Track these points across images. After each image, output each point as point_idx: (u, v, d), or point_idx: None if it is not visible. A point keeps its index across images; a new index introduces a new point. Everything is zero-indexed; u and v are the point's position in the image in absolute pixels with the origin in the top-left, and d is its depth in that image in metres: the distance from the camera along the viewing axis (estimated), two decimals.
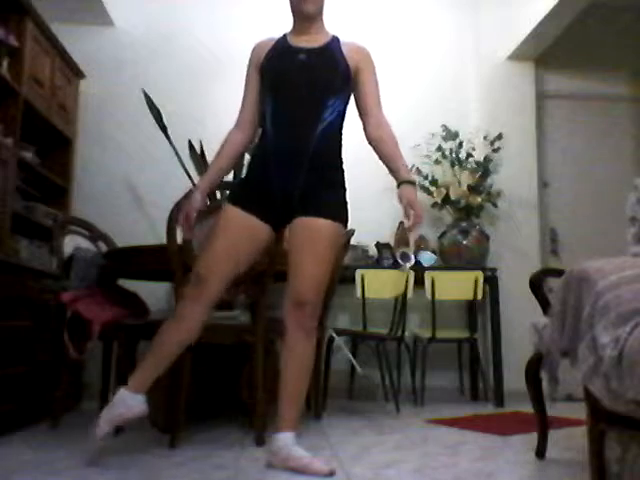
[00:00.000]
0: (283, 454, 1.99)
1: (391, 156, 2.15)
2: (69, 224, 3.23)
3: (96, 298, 2.85)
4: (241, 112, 2.24)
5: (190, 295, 2.07)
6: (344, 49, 2.18)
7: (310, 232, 2.06)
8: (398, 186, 2.08)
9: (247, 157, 2.74)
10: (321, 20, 2.21)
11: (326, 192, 2.10)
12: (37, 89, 3.37)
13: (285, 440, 2.01)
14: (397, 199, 2.09)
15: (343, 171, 2.18)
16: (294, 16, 2.19)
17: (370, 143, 2.20)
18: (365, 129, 2.20)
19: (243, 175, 2.26)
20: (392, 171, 2.14)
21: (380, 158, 2.19)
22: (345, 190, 2.17)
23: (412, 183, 2.08)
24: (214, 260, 2.05)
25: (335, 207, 2.11)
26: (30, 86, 3.27)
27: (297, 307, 2.03)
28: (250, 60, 2.24)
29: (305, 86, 2.09)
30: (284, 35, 2.23)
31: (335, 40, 2.20)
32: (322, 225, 2.06)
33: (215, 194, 3.55)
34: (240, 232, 2.08)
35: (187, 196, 2.43)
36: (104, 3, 4.06)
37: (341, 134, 2.18)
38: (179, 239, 2.40)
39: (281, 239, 2.34)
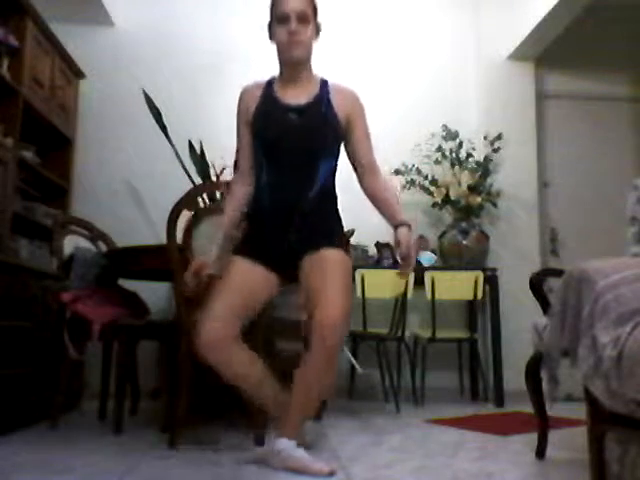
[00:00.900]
0: (284, 454, 1.99)
1: (386, 205, 2.16)
2: (69, 224, 3.23)
3: (96, 298, 2.84)
4: (240, 159, 2.22)
5: (203, 352, 2.01)
6: (333, 99, 2.12)
7: (324, 259, 2.05)
8: (395, 229, 2.09)
9: None
10: (310, 66, 2.16)
11: (324, 228, 2.12)
12: (37, 89, 3.37)
13: (284, 445, 2.00)
14: (393, 242, 2.11)
15: (336, 200, 2.19)
16: (281, 63, 2.15)
17: (363, 190, 2.21)
18: (359, 179, 2.21)
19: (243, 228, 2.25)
20: (387, 217, 2.16)
21: (374, 205, 2.19)
22: (340, 225, 2.19)
23: (409, 226, 2.09)
24: (224, 315, 2.00)
25: (335, 239, 2.13)
26: (30, 86, 3.27)
27: (326, 329, 1.95)
28: (238, 108, 2.19)
29: (297, 151, 2.08)
30: (271, 82, 2.18)
31: (324, 88, 2.15)
32: (332, 252, 2.07)
33: (215, 195, 3.56)
34: (244, 278, 2.07)
35: (185, 198, 2.43)
36: (104, 3, 4.06)
37: (335, 185, 2.17)
38: (179, 239, 2.40)
39: None
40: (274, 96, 2.14)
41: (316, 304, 1.97)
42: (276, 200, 2.09)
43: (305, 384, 2.02)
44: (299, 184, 2.08)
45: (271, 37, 2.14)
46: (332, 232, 2.15)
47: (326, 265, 2.05)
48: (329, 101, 2.12)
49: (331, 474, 1.92)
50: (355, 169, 2.22)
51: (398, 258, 2.09)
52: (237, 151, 2.25)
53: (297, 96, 2.12)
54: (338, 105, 2.13)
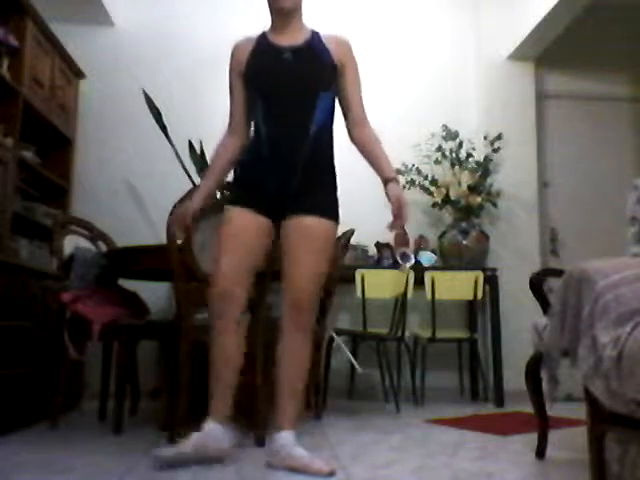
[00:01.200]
0: (283, 453, 1.99)
1: (374, 156, 2.17)
2: (69, 224, 3.23)
3: (96, 298, 2.84)
4: (232, 117, 2.23)
5: (218, 313, 2.06)
6: (327, 43, 2.15)
7: (304, 230, 2.07)
8: (385, 184, 2.12)
9: None
10: (300, 16, 2.18)
11: (319, 193, 2.12)
12: (37, 89, 3.37)
13: (285, 439, 2.01)
14: (386, 197, 2.11)
15: (335, 173, 2.19)
16: (272, 13, 2.17)
17: (353, 141, 2.22)
18: (348, 127, 2.22)
19: (234, 177, 2.25)
20: (376, 170, 2.17)
21: (364, 156, 2.20)
22: (337, 190, 2.18)
23: (397, 181, 2.12)
24: (233, 269, 2.05)
25: (326, 206, 2.13)
26: (30, 86, 3.27)
27: (295, 305, 2.04)
28: (230, 64, 2.20)
29: (295, 87, 2.08)
30: (263, 33, 2.20)
31: (316, 35, 2.18)
32: (315, 223, 2.08)
33: (215, 194, 3.55)
34: (247, 228, 2.09)
35: (185, 198, 2.43)
36: (104, 3, 4.06)
37: (332, 136, 2.19)
38: (179, 239, 2.40)
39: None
40: (267, 41, 2.16)
41: (288, 277, 2.05)
42: (276, 140, 2.08)
43: (293, 373, 2.05)
44: (298, 123, 2.08)
45: None
46: (324, 201, 2.13)
47: (307, 239, 2.06)
48: (322, 43, 2.15)
49: (331, 474, 1.92)
50: (345, 118, 2.22)
51: (391, 221, 2.12)
52: (230, 109, 2.23)
53: (290, 40, 2.14)
54: (332, 49, 2.15)
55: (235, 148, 2.22)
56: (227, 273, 2.04)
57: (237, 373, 2.11)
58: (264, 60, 2.13)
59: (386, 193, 2.10)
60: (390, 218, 2.10)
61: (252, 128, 2.20)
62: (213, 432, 2.05)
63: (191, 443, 2.01)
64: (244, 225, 2.09)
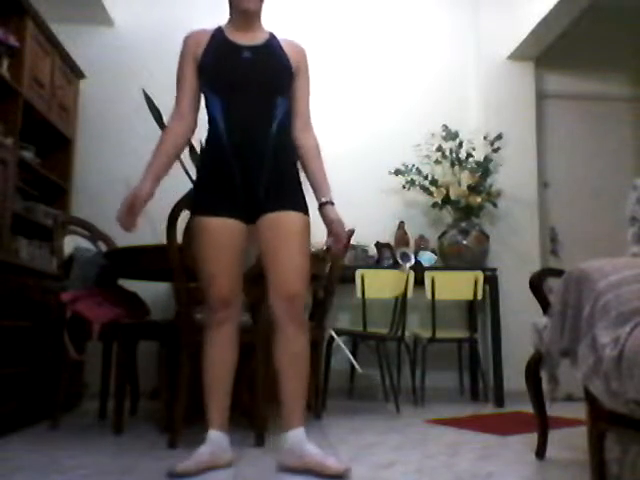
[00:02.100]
0: (297, 451, 1.97)
1: (312, 167, 2.18)
2: (69, 224, 3.23)
3: (96, 298, 2.84)
4: (179, 102, 2.17)
5: (217, 322, 2.08)
6: (284, 46, 2.16)
7: (283, 225, 2.06)
8: (320, 207, 2.14)
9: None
10: (260, 17, 2.18)
11: (287, 189, 2.11)
12: (37, 89, 3.37)
13: (297, 437, 2.00)
14: (322, 218, 2.14)
15: (298, 170, 2.19)
16: (232, 12, 2.15)
17: (298, 146, 2.20)
18: (294, 130, 2.19)
19: (194, 183, 2.22)
20: (312, 184, 2.17)
21: (302, 166, 2.20)
22: (302, 187, 2.17)
23: (333, 203, 2.15)
24: (230, 281, 2.07)
25: (296, 201, 2.12)
26: (30, 86, 3.27)
27: (288, 300, 2.02)
28: (183, 51, 2.15)
29: (255, 85, 2.07)
30: (219, 29, 2.17)
31: (273, 37, 2.18)
32: (293, 218, 2.08)
33: None
34: (230, 242, 2.07)
35: (185, 198, 2.43)
36: (104, 3, 4.06)
37: (292, 136, 2.18)
38: (179, 239, 2.40)
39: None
40: (225, 38, 2.14)
41: (274, 272, 2.04)
42: (238, 138, 2.05)
43: (294, 367, 2.04)
44: (259, 119, 2.06)
45: None
46: (293, 195, 2.12)
47: (289, 234, 2.06)
48: (281, 47, 2.16)
49: (346, 472, 1.90)
50: (291, 121, 2.19)
51: (330, 240, 2.14)
52: (176, 97, 2.19)
53: (248, 39, 2.13)
54: (288, 52, 2.16)
55: (182, 133, 2.15)
56: (228, 286, 2.06)
57: (232, 379, 2.14)
58: (222, 57, 2.10)
59: (324, 215, 2.13)
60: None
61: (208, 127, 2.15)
62: (221, 442, 2.07)
63: (204, 456, 2.00)
64: (227, 237, 2.06)
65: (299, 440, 1.99)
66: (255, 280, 2.48)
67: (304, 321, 2.09)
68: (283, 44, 2.17)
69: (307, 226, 2.11)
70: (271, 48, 2.14)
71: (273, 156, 2.07)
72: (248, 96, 2.06)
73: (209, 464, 1.99)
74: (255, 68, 2.08)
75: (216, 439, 2.06)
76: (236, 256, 2.09)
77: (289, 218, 2.07)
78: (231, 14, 2.17)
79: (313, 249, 2.18)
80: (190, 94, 2.16)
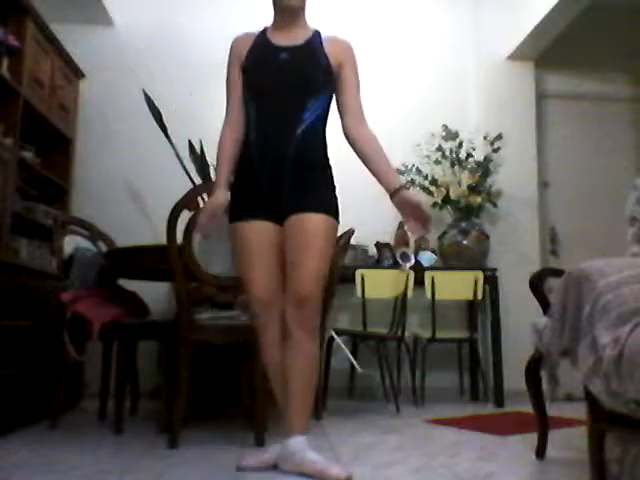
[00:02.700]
0: (297, 459, 1.93)
1: (376, 158, 2.11)
2: (69, 224, 3.23)
3: (96, 298, 2.85)
4: (229, 109, 2.18)
5: (262, 324, 2.07)
6: (326, 44, 2.12)
7: (305, 227, 2.02)
8: (393, 194, 2.07)
9: None
10: (304, 15, 2.16)
11: (313, 190, 2.06)
12: (37, 89, 3.37)
13: (297, 445, 1.95)
14: (397, 208, 2.08)
15: (330, 169, 2.15)
16: (276, 10, 2.14)
17: (349, 141, 2.16)
18: (344, 126, 2.16)
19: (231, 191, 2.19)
20: (379, 175, 2.10)
21: (362, 159, 2.13)
22: (334, 188, 2.13)
23: (409, 187, 2.08)
24: (263, 280, 2.04)
25: (322, 202, 2.07)
26: (30, 86, 3.27)
27: (299, 304, 1.98)
28: (230, 58, 2.17)
29: (286, 87, 2.06)
30: (264, 30, 2.17)
31: (317, 35, 2.15)
32: (315, 219, 2.03)
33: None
34: (258, 242, 2.06)
35: (185, 198, 2.43)
36: (104, 3, 4.06)
37: (324, 134, 2.14)
38: (179, 239, 2.40)
39: None
40: (267, 40, 2.14)
41: (289, 276, 2.01)
42: (263, 142, 2.05)
43: (301, 372, 2.01)
44: (285, 122, 2.05)
45: None
46: (319, 197, 2.07)
47: (306, 235, 2.01)
48: (321, 45, 2.12)
49: (348, 479, 1.87)
50: (342, 118, 2.17)
51: (413, 225, 2.07)
52: (227, 103, 2.19)
53: (289, 39, 2.12)
54: (330, 52, 2.12)
55: (236, 140, 2.15)
56: (263, 285, 2.04)
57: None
58: (261, 59, 2.11)
59: (403, 200, 2.06)
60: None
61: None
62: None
63: (274, 455, 2.00)
64: (254, 238, 2.06)
65: (300, 448, 1.95)
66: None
67: (314, 327, 2.02)
68: (325, 42, 2.13)
69: (330, 228, 2.06)
70: (310, 47, 2.11)
71: (295, 161, 2.04)
72: (279, 100, 2.06)
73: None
74: (290, 69, 2.07)
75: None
76: (270, 257, 2.06)
77: (310, 219, 2.02)
78: (274, 13, 2.15)
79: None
80: (238, 100, 2.16)
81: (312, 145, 2.09)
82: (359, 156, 2.14)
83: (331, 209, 2.08)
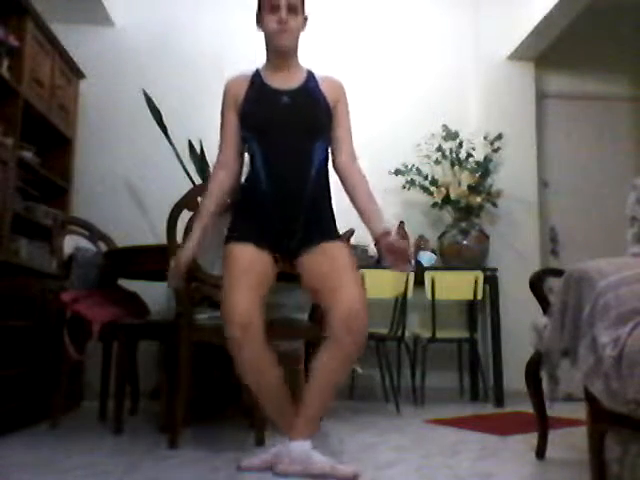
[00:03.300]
0: (303, 462, 1.91)
1: (363, 200, 2.13)
2: (69, 224, 3.23)
3: (96, 298, 2.85)
4: (223, 152, 2.18)
5: (239, 343, 1.97)
6: (321, 85, 2.16)
7: (334, 253, 2.05)
8: (378, 239, 2.05)
9: None
10: (296, 54, 2.18)
11: (326, 224, 2.13)
12: (37, 89, 3.37)
13: (303, 447, 1.94)
14: (379, 250, 2.13)
15: (332, 206, 2.19)
16: (269, 52, 2.16)
17: (340, 177, 2.19)
18: (336, 162, 2.19)
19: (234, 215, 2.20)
20: (365, 218, 2.11)
21: (349, 197, 2.16)
22: (335, 222, 2.19)
23: (390, 232, 2.07)
24: (247, 304, 1.97)
25: (335, 232, 2.14)
26: (30, 86, 3.27)
27: (350, 317, 1.93)
28: (225, 99, 2.17)
29: (294, 131, 2.07)
30: (257, 72, 2.18)
31: (311, 76, 2.18)
32: (338, 246, 2.08)
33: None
34: (254, 263, 2.04)
35: (184, 199, 2.43)
36: (104, 3, 4.06)
37: (328, 173, 2.17)
38: (179, 239, 2.40)
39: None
40: (263, 82, 2.14)
41: (335, 299, 1.95)
42: (276, 182, 2.06)
43: (325, 380, 2.01)
44: (298, 164, 2.07)
45: (259, 24, 2.15)
46: (331, 227, 2.15)
47: (335, 261, 2.04)
48: (317, 86, 2.15)
49: (355, 477, 1.87)
50: (334, 154, 2.19)
51: (394, 263, 2.04)
52: (220, 144, 2.19)
53: (286, 81, 2.14)
54: (326, 91, 2.15)
55: (227, 183, 2.17)
56: (246, 309, 1.96)
57: (281, 386, 2.06)
58: (262, 104, 2.11)
59: (385, 244, 2.03)
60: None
61: (248, 167, 2.17)
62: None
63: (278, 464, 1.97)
64: (250, 260, 2.04)
65: (305, 450, 1.93)
66: None
67: (364, 341, 1.99)
68: (321, 83, 2.16)
69: (349, 252, 2.12)
70: (309, 90, 2.13)
71: (311, 200, 2.08)
72: (288, 142, 2.07)
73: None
74: (294, 113, 2.08)
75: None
76: (258, 283, 2.03)
77: (334, 247, 2.07)
78: (267, 55, 2.17)
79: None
80: (233, 141, 2.17)
81: (323, 184, 2.14)
82: (347, 192, 2.18)
83: (340, 236, 2.17)
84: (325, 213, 2.15)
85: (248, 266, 2.03)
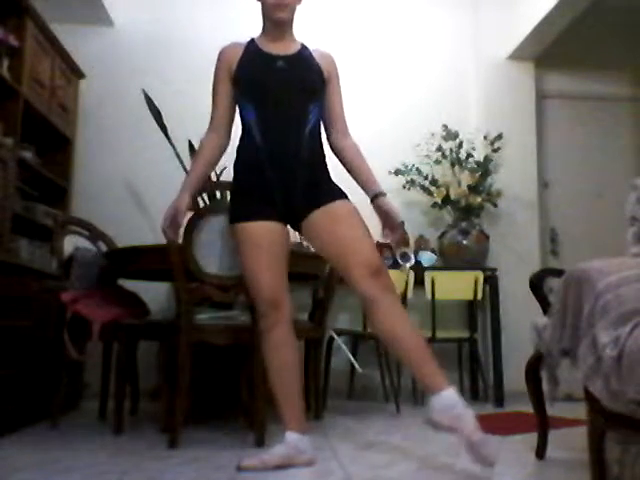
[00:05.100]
0: (454, 411, 1.96)
1: (359, 167, 2.25)
2: (69, 224, 3.23)
3: (96, 298, 2.84)
4: (214, 116, 2.24)
5: (271, 324, 2.09)
6: (315, 56, 2.23)
7: (338, 213, 2.11)
8: (372, 199, 2.20)
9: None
10: (291, 27, 2.23)
11: (326, 184, 2.19)
12: (37, 89, 3.37)
13: (451, 396, 1.97)
14: (376, 212, 2.21)
15: (328, 167, 2.24)
16: (265, 22, 2.20)
17: (334, 150, 2.28)
18: (329, 137, 2.28)
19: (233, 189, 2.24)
20: (362, 182, 2.24)
21: (346, 167, 2.27)
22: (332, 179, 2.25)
23: (385, 194, 2.21)
24: (273, 280, 2.07)
25: (337, 191, 2.18)
26: (30, 86, 3.27)
27: (377, 272, 2.03)
28: (218, 67, 2.21)
29: (289, 93, 2.12)
30: (252, 40, 2.22)
31: (305, 48, 2.24)
32: (342, 205, 2.14)
33: (215, 195, 3.56)
34: (269, 242, 2.09)
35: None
36: (104, 3, 4.06)
37: (322, 136, 2.23)
38: (174, 240, 2.39)
39: None
40: (258, 49, 2.19)
41: (351, 259, 2.05)
42: (272, 144, 2.10)
43: (410, 329, 2.06)
44: (292, 125, 2.11)
45: None
46: (331, 187, 2.19)
47: (345, 219, 2.11)
48: (311, 55, 2.23)
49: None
50: (327, 128, 2.27)
51: (387, 232, 2.21)
52: (212, 110, 2.24)
53: (282, 49, 2.19)
54: (320, 63, 2.22)
55: (217, 146, 2.23)
56: (272, 286, 2.07)
57: (299, 377, 2.14)
58: (257, 68, 2.15)
59: (378, 207, 2.20)
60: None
61: (244, 132, 2.19)
62: (297, 443, 2.06)
63: (274, 459, 2.02)
64: (265, 237, 2.09)
65: (455, 400, 1.96)
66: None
67: (395, 289, 2.12)
68: (314, 54, 2.23)
69: (356, 210, 2.16)
70: (303, 57, 2.20)
71: (308, 160, 2.13)
72: (283, 104, 2.11)
73: (279, 464, 2.01)
74: (289, 76, 2.13)
75: (292, 441, 2.06)
76: (277, 257, 2.10)
77: (339, 205, 2.13)
78: (264, 25, 2.21)
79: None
80: (224, 108, 2.22)
81: (318, 143, 2.19)
82: (343, 164, 2.28)
83: (343, 194, 2.19)
84: (324, 174, 2.19)
85: (264, 245, 2.08)
